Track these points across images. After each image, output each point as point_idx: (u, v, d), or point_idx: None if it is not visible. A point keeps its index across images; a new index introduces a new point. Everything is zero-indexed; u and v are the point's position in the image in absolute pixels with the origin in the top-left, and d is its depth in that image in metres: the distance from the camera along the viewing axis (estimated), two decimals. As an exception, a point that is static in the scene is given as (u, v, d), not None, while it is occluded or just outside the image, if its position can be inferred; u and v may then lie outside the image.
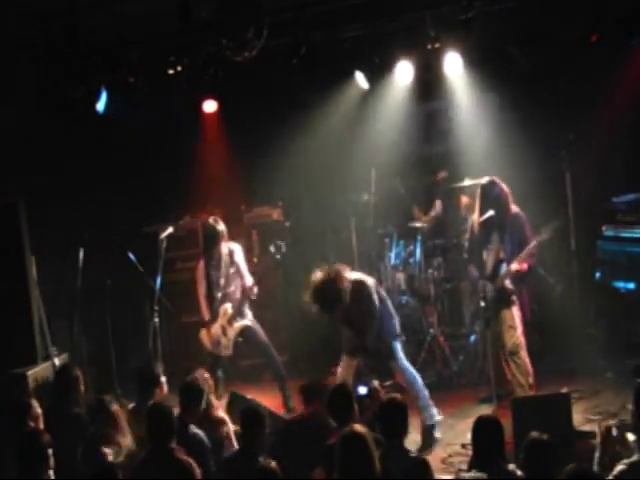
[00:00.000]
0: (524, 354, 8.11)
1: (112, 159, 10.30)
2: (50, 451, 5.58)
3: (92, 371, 9.31)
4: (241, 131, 10.71)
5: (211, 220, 9.01)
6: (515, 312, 8.15)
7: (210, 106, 10.26)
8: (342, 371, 7.94)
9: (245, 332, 9.00)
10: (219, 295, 8.98)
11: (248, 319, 9.02)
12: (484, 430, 5.31)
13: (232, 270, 8.96)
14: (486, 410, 7.39)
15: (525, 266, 8.15)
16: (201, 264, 9.13)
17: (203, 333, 9.08)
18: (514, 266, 8.08)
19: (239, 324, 8.96)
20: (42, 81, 9.22)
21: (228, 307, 8.94)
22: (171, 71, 9.27)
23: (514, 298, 8.17)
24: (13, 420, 6.39)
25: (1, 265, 8.82)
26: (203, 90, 9.90)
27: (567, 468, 4.72)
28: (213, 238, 8.95)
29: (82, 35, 8.68)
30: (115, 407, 6.55)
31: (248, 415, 6.02)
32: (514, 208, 8.27)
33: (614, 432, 5.60)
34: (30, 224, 8.79)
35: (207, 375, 7.22)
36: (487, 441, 5.25)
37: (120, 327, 9.88)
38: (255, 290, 8.91)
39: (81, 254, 9.16)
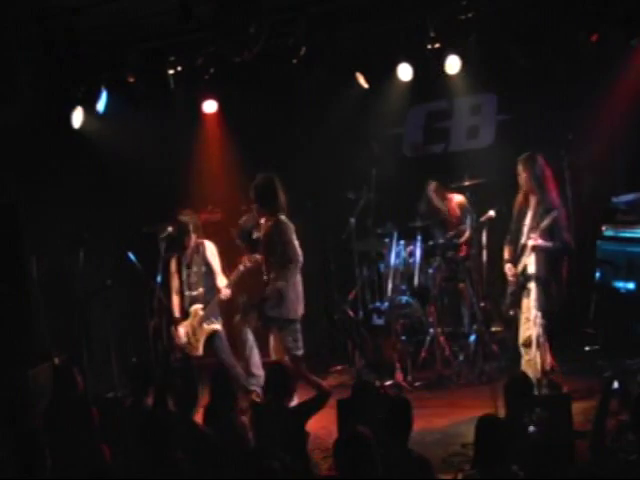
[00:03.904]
0: (535, 350, 7.90)
1: (112, 159, 10.29)
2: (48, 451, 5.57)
3: (92, 371, 9.29)
4: (241, 131, 10.71)
5: (181, 213, 9.00)
6: (533, 303, 7.89)
7: (210, 106, 10.25)
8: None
9: (214, 336, 8.91)
10: (191, 294, 8.93)
11: (219, 323, 8.93)
12: (486, 430, 5.29)
13: (203, 269, 8.91)
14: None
15: (540, 242, 7.76)
16: (174, 259, 9.08)
17: (175, 329, 9.02)
18: (530, 241, 7.78)
19: (210, 327, 8.88)
20: (42, 81, 9.23)
21: (199, 308, 8.88)
22: (171, 71, 9.27)
23: (534, 284, 7.87)
24: (13, 419, 6.39)
25: (1, 265, 8.82)
26: (203, 90, 9.90)
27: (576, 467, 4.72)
28: (180, 229, 8.93)
29: (82, 35, 8.68)
30: None
31: (275, 369, 6.77)
32: (556, 199, 7.89)
33: (615, 385, 5.38)
34: (30, 224, 8.78)
35: None
36: (489, 441, 5.23)
37: (120, 327, 9.88)
38: (227, 292, 8.80)
39: (81, 254, 9.15)
